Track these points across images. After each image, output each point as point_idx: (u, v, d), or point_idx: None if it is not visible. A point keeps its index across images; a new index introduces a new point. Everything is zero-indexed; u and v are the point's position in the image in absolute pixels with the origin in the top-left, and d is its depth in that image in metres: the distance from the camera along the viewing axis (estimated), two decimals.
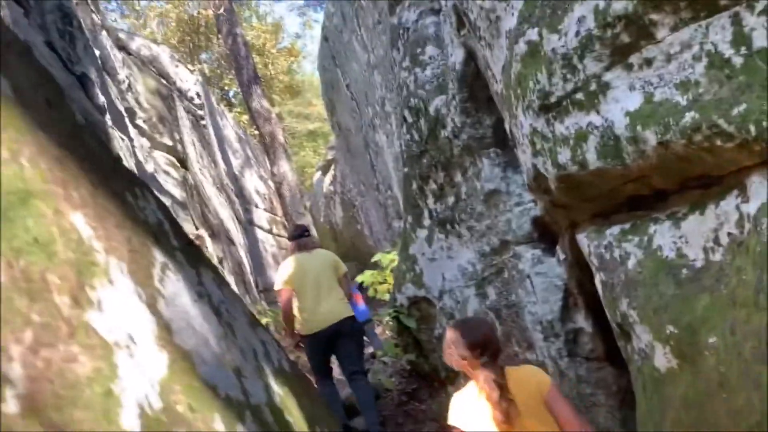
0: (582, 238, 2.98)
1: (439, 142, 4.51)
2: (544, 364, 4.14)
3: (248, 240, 15.54)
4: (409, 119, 4.86)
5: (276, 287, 5.51)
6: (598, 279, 2.80)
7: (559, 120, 2.59)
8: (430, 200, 4.89)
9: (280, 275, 5.38)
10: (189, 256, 1.78)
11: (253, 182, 17.81)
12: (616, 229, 2.60)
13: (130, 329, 1.26)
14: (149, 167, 7.75)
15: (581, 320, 3.91)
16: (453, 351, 2.66)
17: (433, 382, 6.04)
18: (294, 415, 1.85)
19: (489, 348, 2.58)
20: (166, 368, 1.31)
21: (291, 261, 5.41)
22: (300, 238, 5.57)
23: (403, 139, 5.11)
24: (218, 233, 9.58)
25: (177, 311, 1.49)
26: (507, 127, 3.50)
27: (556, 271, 3.94)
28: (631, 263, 2.45)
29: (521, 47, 2.78)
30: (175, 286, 1.56)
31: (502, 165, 4.13)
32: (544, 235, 4.05)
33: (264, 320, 10.75)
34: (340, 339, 5.14)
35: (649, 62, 2.26)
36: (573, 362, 3.96)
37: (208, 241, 7.56)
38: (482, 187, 4.21)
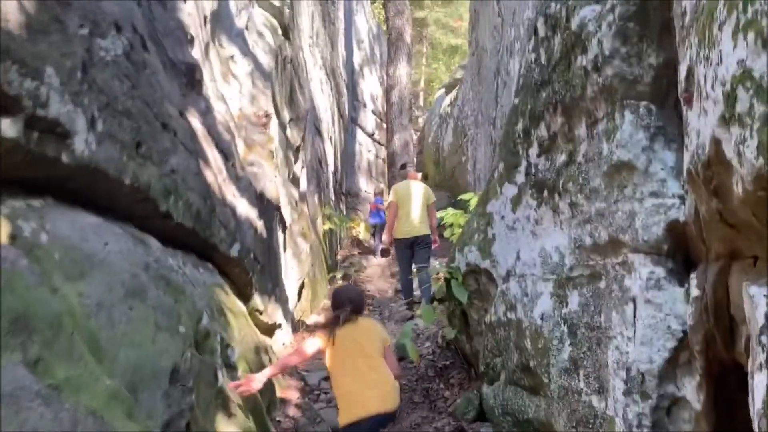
0: (757, 295, 1.64)
1: (571, 72, 3.13)
2: (611, 421, 2.90)
3: (346, 138, 14.62)
4: (542, 32, 3.46)
5: (389, 200, 8.04)
6: (765, 373, 1.50)
7: None
8: (534, 150, 3.56)
9: (392, 193, 8.00)
10: None
11: (370, 81, 16.66)
12: None
13: None
14: (240, 22, 6.75)
15: (690, 390, 2.59)
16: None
17: (470, 369, 4.92)
18: None
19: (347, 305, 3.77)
20: None
21: (400, 185, 7.98)
22: (404, 169, 8.80)
23: (525, 59, 3.74)
24: (303, 119, 8.60)
25: None
26: (683, 69, 2.11)
27: (677, 309, 2.61)
28: None
29: None
30: None
31: (650, 130, 2.73)
32: (678, 252, 2.69)
33: (327, 225, 9.92)
34: (416, 246, 7.63)
35: None
36: None
37: (275, 123, 6.57)
38: (610, 153, 2.84)
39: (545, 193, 3.44)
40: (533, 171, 3.58)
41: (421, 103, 31.95)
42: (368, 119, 16.15)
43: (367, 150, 15.97)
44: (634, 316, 2.77)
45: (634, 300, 2.77)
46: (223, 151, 5.01)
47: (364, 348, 3.62)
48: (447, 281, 4.62)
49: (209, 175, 4.40)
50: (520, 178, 3.75)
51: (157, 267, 2.92)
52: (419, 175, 8.56)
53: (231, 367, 3.63)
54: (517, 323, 3.72)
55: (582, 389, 3.12)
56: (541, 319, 3.45)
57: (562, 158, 3.27)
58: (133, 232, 3.07)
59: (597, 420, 3.00)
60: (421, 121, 28.59)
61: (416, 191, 7.75)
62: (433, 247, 7.93)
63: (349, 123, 14.82)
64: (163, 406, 2.38)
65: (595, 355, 3.05)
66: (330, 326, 3.71)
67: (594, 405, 3.03)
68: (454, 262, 4.62)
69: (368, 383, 3.50)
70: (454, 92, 18.31)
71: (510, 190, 3.88)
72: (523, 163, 3.71)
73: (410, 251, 7.64)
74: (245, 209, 5.12)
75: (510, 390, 3.90)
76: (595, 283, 3.07)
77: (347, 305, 3.75)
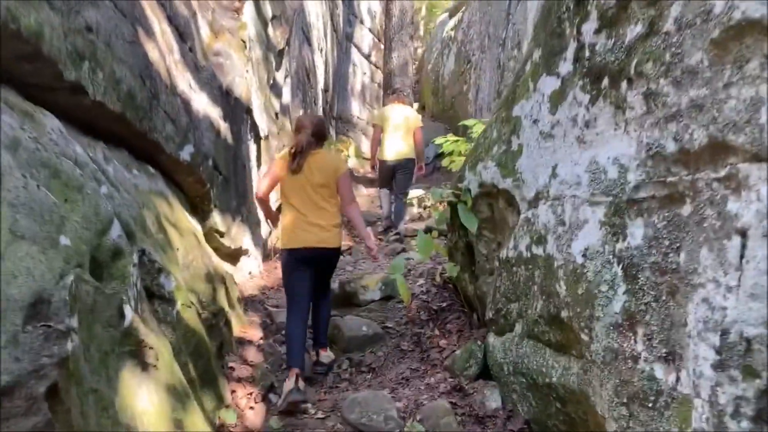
0: None
1: None
2: (685, 401, 2.05)
3: (339, 56, 13.39)
4: None
5: (372, 122, 8.32)
6: None
7: None
8: (590, 24, 2.57)
9: (375, 116, 8.38)
10: None
11: None
12: None
13: None
14: None
15: None
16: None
17: (472, 314, 4.07)
18: None
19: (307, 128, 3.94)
20: None
21: (383, 108, 8.24)
22: (392, 94, 8.34)
23: None
24: (289, 20, 7.47)
25: None
26: None
27: None
28: None
29: None
30: None
31: None
32: None
33: None
34: (398, 170, 7.55)
35: None
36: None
37: (251, 8, 5.47)
38: (728, 9, 1.88)
39: (605, 82, 2.47)
40: (587, 54, 2.60)
41: (421, 32, 30.32)
42: (365, 38, 14.82)
43: (362, 72, 14.72)
44: (742, 257, 1.87)
45: (743, 232, 1.86)
46: (177, 29, 3.96)
47: (313, 179, 3.80)
48: (452, 206, 3.70)
49: (152, 51, 3.38)
50: (566, 66, 2.78)
51: (35, 148, 1.95)
52: (413, 102, 8.17)
53: (164, 299, 2.73)
54: (546, 260, 2.83)
55: (640, 354, 2.26)
56: (584, 256, 2.55)
57: (636, 30, 2.29)
58: (8, 98, 2.09)
59: (661, 398, 2.15)
60: (420, 51, 27.18)
61: (401, 114, 7.63)
62: (417, 173, 7.85)
63: (344, 39, 13.54)
64: (6, 362, 1.47)
65: (664, 308, 2.17)
66: (291, 153, 3.85)
67: (657, 377, 2.18)
68: (463, 181, 3.70)
69: (307, 221, 3.77)
70: (458, 15, 16.97)
71: (549, 85, 2.91)
72: (572, 46, 2.73)
73: (391, 174, 7.58)
74: (204, 105, 4.12)
75: (528, 345, 3.05)
76: (673, 207, 2.16)
77: (308, 128, 3.91)
